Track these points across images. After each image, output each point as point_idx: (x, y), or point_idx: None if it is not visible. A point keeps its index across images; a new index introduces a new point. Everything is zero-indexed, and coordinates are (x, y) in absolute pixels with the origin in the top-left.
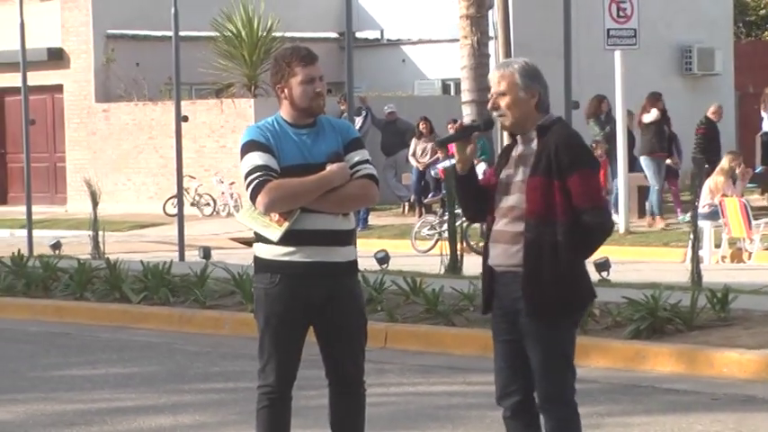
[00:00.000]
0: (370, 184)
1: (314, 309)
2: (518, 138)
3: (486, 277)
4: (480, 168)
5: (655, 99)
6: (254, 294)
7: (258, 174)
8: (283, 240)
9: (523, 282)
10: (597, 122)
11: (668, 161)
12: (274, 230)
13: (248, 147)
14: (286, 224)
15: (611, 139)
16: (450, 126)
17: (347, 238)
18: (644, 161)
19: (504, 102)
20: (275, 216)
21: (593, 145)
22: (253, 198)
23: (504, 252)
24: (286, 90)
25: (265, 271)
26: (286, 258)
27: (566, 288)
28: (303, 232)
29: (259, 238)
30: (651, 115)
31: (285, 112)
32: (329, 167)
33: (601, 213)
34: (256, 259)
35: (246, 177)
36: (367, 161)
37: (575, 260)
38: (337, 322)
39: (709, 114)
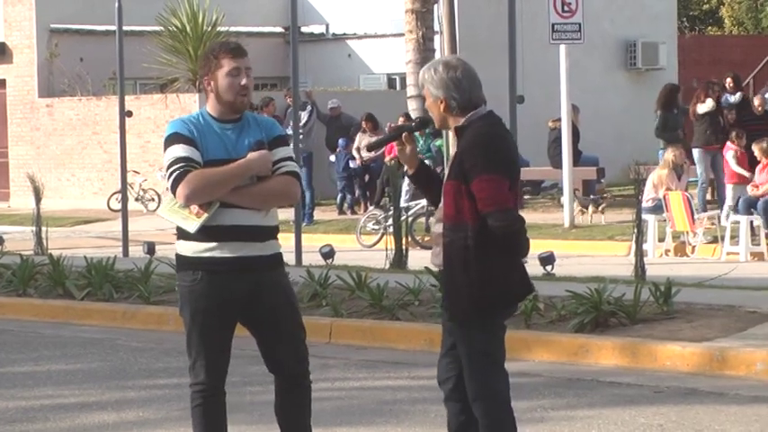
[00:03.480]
0: (292, 181)
1: (239, 304)
2: None
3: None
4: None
5: (709, 88)
6: (178, 292)
7: (179, 165)
8: (203, 234)
9: (441, 284)
10: (663, 117)
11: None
12: (192, 222)
13: (171, 139)
14: (205, 215)
15: (676, 128)
16: (400, 120)
17: (269, 235)
18: (697, 154)
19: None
20: (194, 208)
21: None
22: (173, 189)
23: (435, 253)
24: (212, 83)
25: (188, 268)
26: (207, 255)
27: (478, 290)
28: (223, 228)
29: (180, 235)
30: (706, 105)
31: (211, 106)
32: (250, 155)
33: (503, 216)
34: (178, 257)
35: (168, 169)
36: (290, 158)
37: (490, 263)
38: (268, 317)
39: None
